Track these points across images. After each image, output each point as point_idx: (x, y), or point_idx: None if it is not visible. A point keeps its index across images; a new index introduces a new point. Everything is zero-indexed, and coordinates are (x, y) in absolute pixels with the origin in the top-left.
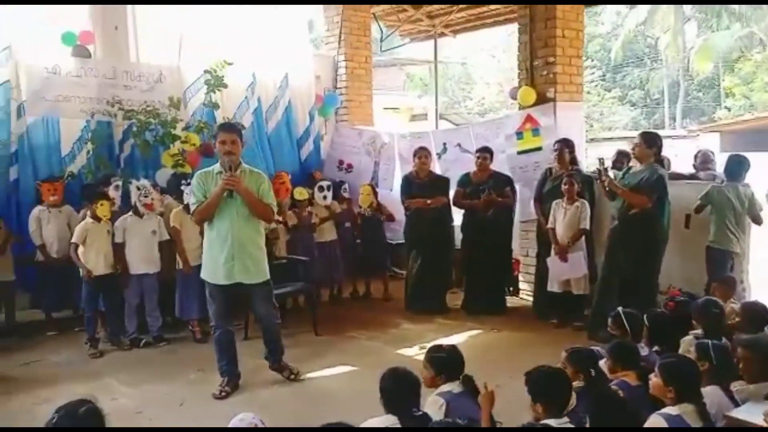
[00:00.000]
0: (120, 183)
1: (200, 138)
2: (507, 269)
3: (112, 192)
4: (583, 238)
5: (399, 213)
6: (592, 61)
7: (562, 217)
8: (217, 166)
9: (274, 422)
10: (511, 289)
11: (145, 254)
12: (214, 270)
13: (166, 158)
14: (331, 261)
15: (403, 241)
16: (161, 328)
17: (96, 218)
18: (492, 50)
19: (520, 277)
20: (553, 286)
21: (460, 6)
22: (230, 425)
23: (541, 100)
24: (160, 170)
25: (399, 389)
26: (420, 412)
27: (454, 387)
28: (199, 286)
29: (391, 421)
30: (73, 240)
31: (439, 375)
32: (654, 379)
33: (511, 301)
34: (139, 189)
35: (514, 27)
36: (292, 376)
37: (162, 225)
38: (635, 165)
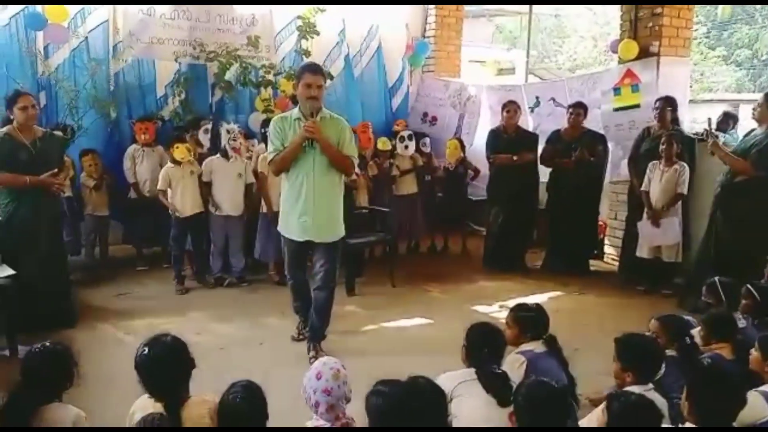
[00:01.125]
0: (209, 126)
1: (292, 85)
2: (593, 231)
3: (201, 135)
4: (680, 203)
5: (485, 167)
6: (696, 16)
7: (658, 180)
8: (295, 111)
9: (350, 369)
10: (595, 252)
11: (230, 196)
12: (288, 223)
13: (258, 103)
14: (410, 214)
15: (483, 197)
16: (244, 270)
17: (175, 162)
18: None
19: (606, 241)
20: (642, 252)
21: None
22: (313, 368)
23: (644, 54)
24: (253, 114)
25: (484, 344)
26: (499, 370)
27: (536, 346)
28: (278, 231)
29: (469, 374)
30: (159, 187)
31: (524, 334)
32: (754, 354)
33: (595, 265)
34: (228, 132)
35: None
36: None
37: (248, 169)
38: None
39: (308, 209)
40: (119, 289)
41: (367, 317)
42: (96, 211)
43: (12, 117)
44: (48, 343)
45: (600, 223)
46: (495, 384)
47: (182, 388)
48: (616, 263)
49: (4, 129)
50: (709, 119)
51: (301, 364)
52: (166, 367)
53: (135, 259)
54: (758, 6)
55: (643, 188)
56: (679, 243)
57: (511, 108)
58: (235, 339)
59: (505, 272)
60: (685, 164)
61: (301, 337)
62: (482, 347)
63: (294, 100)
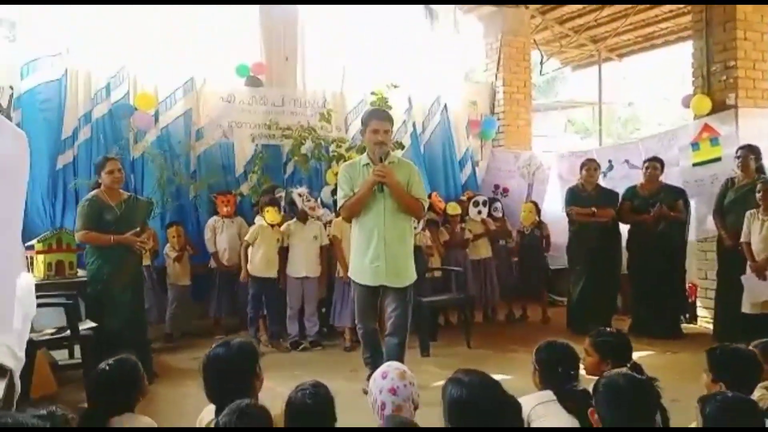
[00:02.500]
0: (283, 194)
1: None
2: (681, 292)
3: None
4: None
5: (557, 236)
6: None
7: (758, 230)
8: (363, 158)
9: (421, 421)
10: (686, 316)
11: (307, 258)
12: (360, 269)
13: (329, 176)
14: (485, 279)
15: (563, 266)
16: (318, 334)
17: (273, 224)
18: (663, 94)
19: (698, 303)
20: (746, 307)
21: (627, 27)
22: (379, 370)
23: (719, 107)
24: (325, 188)
25: (557, 361)
26: (581, 387)
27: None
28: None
29: (547, 396)
30: (246, 238)
31: (606, 360)
32: None
33: (687, 329)
34: (300, 195)
35: (685, 71)
36: None
37: (323, 231)
38: None
39: (380, 254)
40: (197, 354)
41: (441, 374)
42: (178, 281)
43: (100, 181)
44: (113, 360)
45: (689, 284)
46: (577, 402)
47: (244, 395)
48: (711, 325)
49: (93, 192)
50: None
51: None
52: (227, 366)
53: (213, 329)
54: None
55: (743, 239)
56: None
57: (590, 166)
58: None
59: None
60: None
61: None
62: (556, 365)
63: None
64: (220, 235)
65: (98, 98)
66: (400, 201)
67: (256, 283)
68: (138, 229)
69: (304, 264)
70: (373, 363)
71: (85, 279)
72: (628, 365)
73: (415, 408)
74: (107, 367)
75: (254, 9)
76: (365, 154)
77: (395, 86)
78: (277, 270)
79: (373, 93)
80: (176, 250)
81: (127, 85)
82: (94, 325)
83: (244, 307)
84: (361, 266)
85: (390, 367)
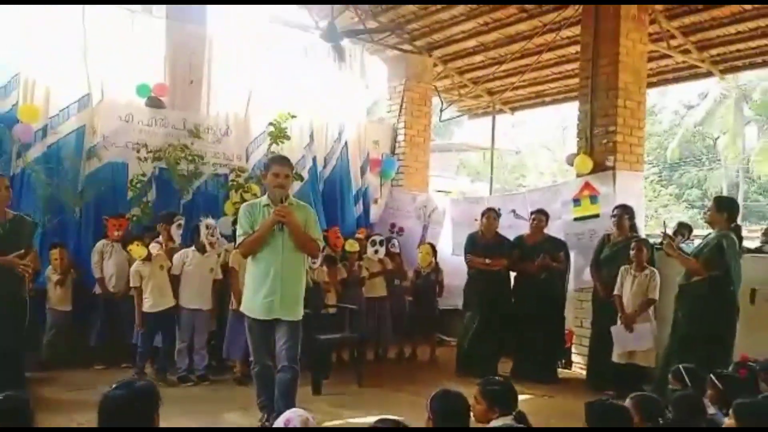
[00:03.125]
0: (182, 222)
1: (260, 188)
2: (559, 338)
3: (174, 230)
4: (652, 308)
5: (449, 278)
6: (648, 156)
7: (630, 285)
8: (264, 199)
9: None
10: (563, 361)
11: (201, 290)
12: (253, 304)
13: (228, 206)
14: (379, 318)
15: (454, 307)
16: (206, 368)
17: (145, 258)
18: (546, 143)
19: (574, 349)
20: (615, 356)
21: (521, 83)
22: (282, 416)
23: (599, 168)
24: (223, 218)
25: (450, 411)
26: None
27: (507, 421)
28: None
29: None
30: (132, 284)
31: (493, 408)
32: (727, 421)
33: (563, 373)
34: (207, 227)
35: (569, 122)
36: None
37: (218, 264)
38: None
39: (276, 288)
40: (76, 386)
41: (333, 413)
42: (58, 306)
43: None
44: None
45: (567, 330)
46: None
47: None
48: (585, 371)
49: None
50: (664, 222)
51: None
52: (126, 410)
53: (93, 358)
54: (704, 149)
55: (615, 292)
56: (652, 348)
57: (490, 215)
58: None
59: (477, 378)
60: (656, 270)
61: None
62: (449, 415)
63: None
64: (108, 259)
65: None
66: (298, 240)
67: (150, 320)
68: (23, 251)
69: (197, 295)
70: (269, 407)
71: None
72: (514, 413)
73: None
74: None
75: (160, 29)
76: (266, 195)
77: (293, 116)
78: (172, 297)
79: (271, 124)
80: (58, 273)
81: (17, 95)
82: None
83: (129, 337)
84: (255, 301)
85: (294, 413)
